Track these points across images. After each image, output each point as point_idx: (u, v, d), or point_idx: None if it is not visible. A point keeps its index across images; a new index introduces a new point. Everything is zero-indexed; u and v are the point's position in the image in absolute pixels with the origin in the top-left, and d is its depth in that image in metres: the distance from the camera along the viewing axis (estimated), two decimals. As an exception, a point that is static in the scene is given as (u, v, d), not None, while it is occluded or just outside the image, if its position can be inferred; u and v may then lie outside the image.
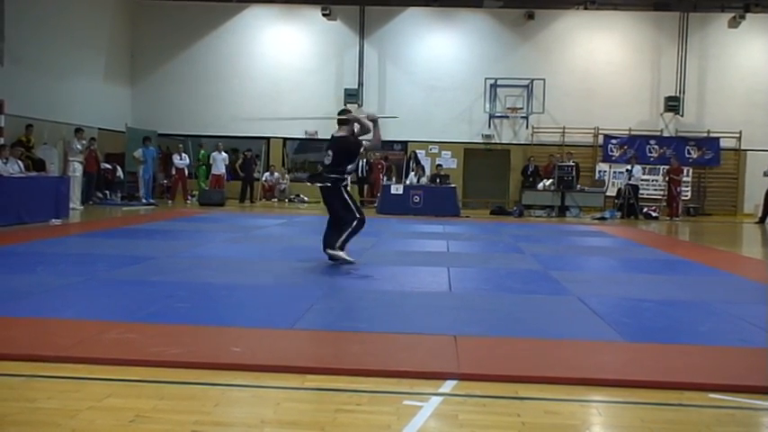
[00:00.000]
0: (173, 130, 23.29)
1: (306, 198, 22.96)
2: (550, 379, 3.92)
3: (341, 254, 7.85)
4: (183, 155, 21.17)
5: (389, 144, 23.62)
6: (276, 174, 23.48)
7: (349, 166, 8.06)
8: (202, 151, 22.90)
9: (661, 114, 23.25)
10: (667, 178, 20.99)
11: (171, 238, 11.02)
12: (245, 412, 3.42)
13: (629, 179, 20.23)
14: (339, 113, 8.49)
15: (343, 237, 7.86)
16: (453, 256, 9.59)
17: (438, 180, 19.57)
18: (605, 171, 22.70)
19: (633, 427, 3.35)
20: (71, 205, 15.08)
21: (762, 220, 19.21)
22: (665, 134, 23.23)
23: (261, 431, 3.15)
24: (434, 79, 23.49)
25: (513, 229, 14.68)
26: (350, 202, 8.02)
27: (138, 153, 20.16)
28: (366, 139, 8.12)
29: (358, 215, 7.94)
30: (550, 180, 20.38)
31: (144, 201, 19.79)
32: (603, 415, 3.53)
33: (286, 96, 23.63)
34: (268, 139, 23.93)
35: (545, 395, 3.72)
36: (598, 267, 9.23)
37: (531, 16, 23.15)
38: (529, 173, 21.79)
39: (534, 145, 23.16)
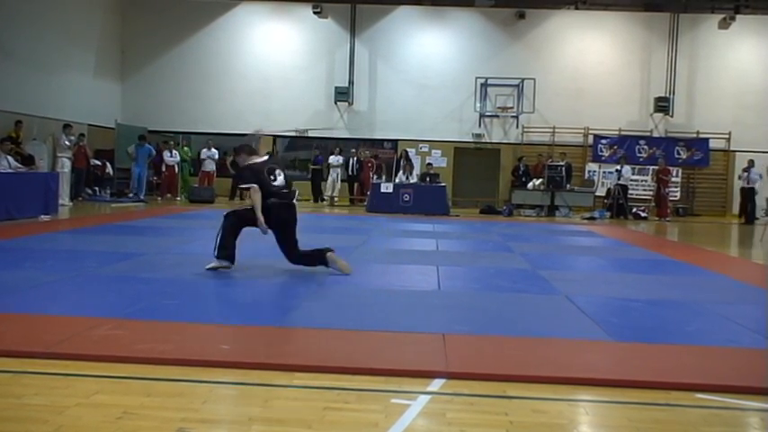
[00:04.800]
0: (163, 127, 23.20)
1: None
2: (538, 378, 3.94)
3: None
4: (174, 151, 21.11)
5: (380, 142, 23.67)
6: (266, 171, 23.38)
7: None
8: (185, 148, 22.71)
9: (651, 115, 23.32)
10: (656, 178, 21.08)
11: (160, 234, 11.00)
12: (232, 410, 3.42)
13: (619, 179, 20.30)
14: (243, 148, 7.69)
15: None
16: (442, 255, 9.60)
17: (428, 179, 19.58)
18: (595, 171, 22.75)
19: (620, 426, 3.37)
20: (60, 201, 15.01)
21: (749, 221, 19.33)
22: (655, 134, 23.29)
23: (248, 429, 3.15)
24: (425, 78, 23.48)
25: (502, 228, 14.70)
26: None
27: (131, 149, 20.11)
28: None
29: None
30: (540, 179, 20.43)
31: (130, 196, 19.71)
32: (591, 414, 3.55)
33: (276, 94, 23.59)
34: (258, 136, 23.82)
35: (533, 394, 3.73)
36: (587, 267, 9.26)
37: (521, 16, 23.17)
38: (519, 172, 21.82)
39: (524, 144, 23.20)
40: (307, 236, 8.30)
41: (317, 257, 7.33)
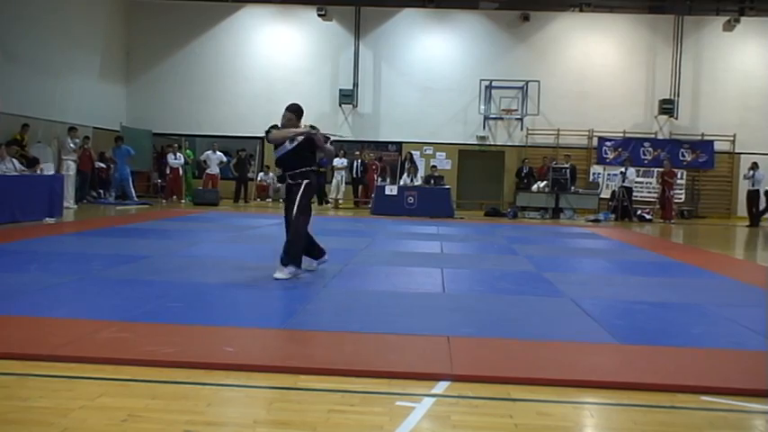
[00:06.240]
0: (168, 130, 23.25)
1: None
2: (543, 380, 3.93)
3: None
4: (178, 154, 21.14)
5: (384, 145, 23.66)
6: (271, 174, 23.43)
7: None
8: (188, 151, 22.67)
9: (655, 117, 23.30)
10: (660, 181, 21.05)
11: (165, 237, 11.01)
12: (237, 412, 3.42)
13: (624, 181, 20.26)
14: (294, 107, 7.39)
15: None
16: (447, 257, 9.59)
17: (432, 181, 19.57)
18: (600, 173, 22.72)
19: (625, 429, 3.36)
20: (65, 204, 15.04)
21: (755, 223, 19.27)
22: (660, 137, 23.27)
23: (253, 431, 3.15)
24: (429, 80, 23.50)
25: (507, 230, 14.69)
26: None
27: (109, 152, 20.07)
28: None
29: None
30: (545, 182, 20.40)
31: (109, 198, 19.71)
32: (596, 417, 3.54)
33: (281, 97, 23.49)
34: (262, 138, 23.86)
35: (537, 396, 3.72)
36: (591, 269, 9.24)
37: (526, 18, 23.19)
38: (523, 174, 21.80)
39: (529, 147, 23.20)
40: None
41: (312, 248, 7.60)
